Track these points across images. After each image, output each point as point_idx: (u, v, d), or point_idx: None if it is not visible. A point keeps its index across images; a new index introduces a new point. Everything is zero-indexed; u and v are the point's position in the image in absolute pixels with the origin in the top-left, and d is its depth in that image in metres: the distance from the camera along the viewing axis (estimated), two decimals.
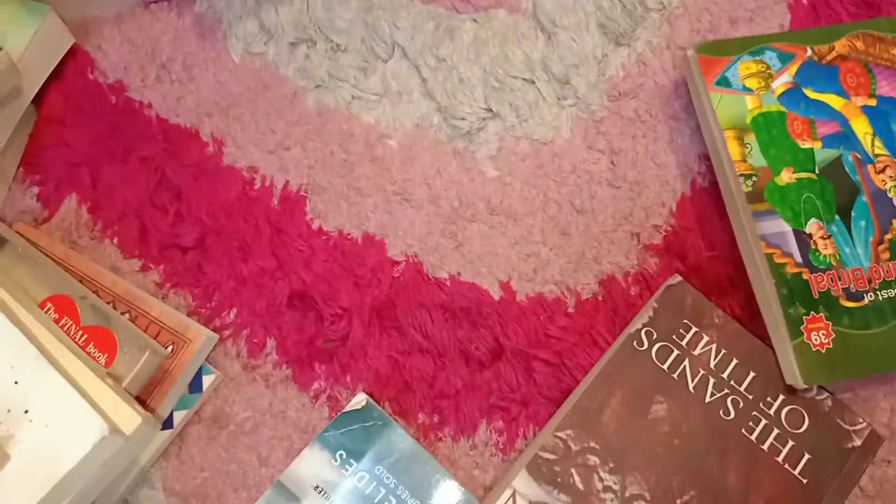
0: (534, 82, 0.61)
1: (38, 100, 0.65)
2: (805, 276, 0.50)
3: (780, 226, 0.51)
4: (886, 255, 0.51)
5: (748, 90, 0.53)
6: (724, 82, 0.54)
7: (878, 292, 0.50)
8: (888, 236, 0.51)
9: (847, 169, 0.52)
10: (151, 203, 0.62)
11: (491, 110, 0.61)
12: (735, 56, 0.54)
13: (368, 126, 0.62)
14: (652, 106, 0.59)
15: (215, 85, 0.65)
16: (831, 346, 0.49)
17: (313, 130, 0.63)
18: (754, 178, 0.52)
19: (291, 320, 0.59)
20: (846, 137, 0.52)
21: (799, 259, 0.50)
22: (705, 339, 0.52)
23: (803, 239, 0.51)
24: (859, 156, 0.52)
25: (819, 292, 0.50)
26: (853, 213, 0.51)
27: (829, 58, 0.54)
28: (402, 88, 0.63)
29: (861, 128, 0.53)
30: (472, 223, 0.59)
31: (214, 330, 0.59)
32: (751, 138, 0.52)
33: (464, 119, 0.61)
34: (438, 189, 0.60)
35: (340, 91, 0.63)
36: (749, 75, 0.54)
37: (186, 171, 0.62)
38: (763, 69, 0.54)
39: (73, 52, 0.67)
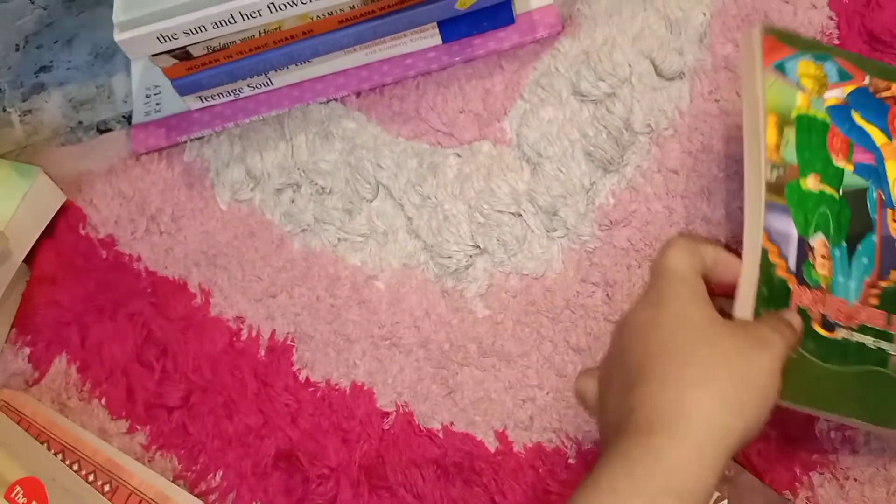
0: (521, 215, 0.58)
1: (30, 258, 0.66)
2: (790, 285, 0.46)
3: (787, 226, 0.46)
4: (875, 302, 0.46)
5: (802, 88, 0.50)
6: (781, 69, 0.50)
7: (852, 332, 0.46)
8: (883, 284, 0.47)
9: (868, 204, 0.48)
10: (138, 360, 0.61)
11: (478, 246, 0.59)
12: (798, 50, 0.51)
13: (355, 268, 0.61)
14: (646, 234, 0.56)
15: (203, 234, 0.64)
16: (788, 364, 0.43)
17: (299, 276, 0.61)
18: (780, 171, 0.47)
19: (278, 482, 0.56)
20: (877, 174, 0.49)
21: (792, 266, 0.46)
22: (716, 495, 0.47)
23: (804, 249, 0.46)
24: (884, 197, 0.48)
25: (797, 307, 0.45)
26: (859, 247, 0.47)
27: (883, 94, 0.51)
28: (388, 228, 0.61)
29: (894, 172, 0.49)
30: (463, 367, 0.56)
31: (200, 494, 0.56)
32: (790, 132, 0.48)
33: (450, 257, 0.58)
34: (428, 332, 0.58)
35: (326, 234, 0.62)
36: (806, 74, 0.50)
37: (173, 326, 0.61)
38: (821, 75, 0.51)
39: (64, 209, 0.67)
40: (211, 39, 0.59)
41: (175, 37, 0.58)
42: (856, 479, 0.49)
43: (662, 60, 0.59)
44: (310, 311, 0.60)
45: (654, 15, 0.61)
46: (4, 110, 0.74)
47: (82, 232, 0.67)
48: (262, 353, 0.60)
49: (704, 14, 0.61)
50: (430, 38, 0.64)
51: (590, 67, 0.61)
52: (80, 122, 0.72)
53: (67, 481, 0.52)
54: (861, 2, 0.58)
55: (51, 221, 0.66)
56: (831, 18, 0.59)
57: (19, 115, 0.73)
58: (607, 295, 0.56)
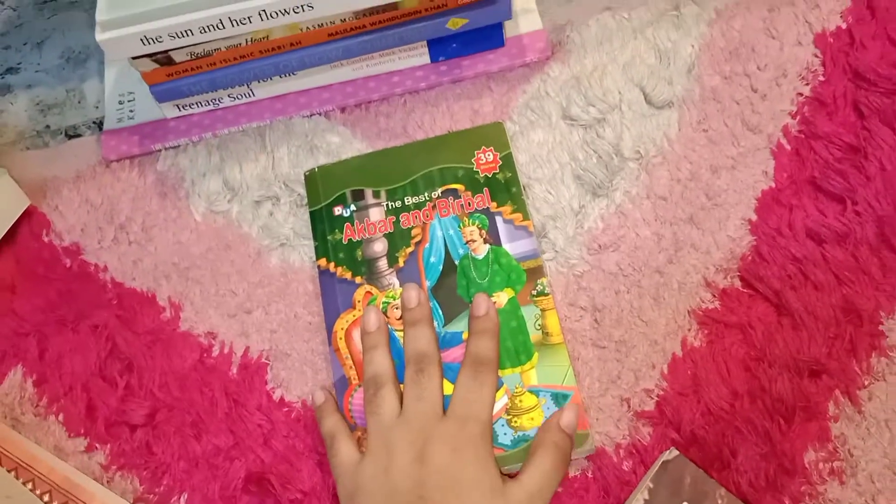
0: None
1: None
2: None
3: None
4: None
5: None
6: None
7: None
8: None
9: None
10: (101, 375, 0.58)
11: None
12: None
13: None
14: (635, 259, 0.56)
15: (175, 245, 0.61)
16: None
17: (276, 291, 0.59)
18: None
19: None
20: None
21: None
22: None
23: None
24: None
25: None
26: None
27: None
28: None
29: None
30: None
31: None
32: None
33: None
34: None
35: (305, 249, 0.60)
36: None
37: (140, 340, 0.58)
38: None
39: (28, 214, 0.64)
40: (196, 45, 0.58)
41: (160, 39, 0.56)
42: None
43: (652, 89, 0.60)
44: (286, 329, 0.58)
45: (645, 44, 0.62)
46: None
47: (45, 239, 0.63)
48: (235, 370, 0.57)
49: (693, 46, 0.61)
50: (418, 56, 0.64)
51: (580, 92, 0.60)
52: (48, 127, 0.69)
53: (22, 499, 0.48)
54: (846, 41, 0.59)
55: (12, 227, 0.63)
56: (816, 56, 0.60)
57: None
58: (595, 320, 0.55)
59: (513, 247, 0.55)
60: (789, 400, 0.50)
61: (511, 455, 0.49)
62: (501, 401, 0.51)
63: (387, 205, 0.58)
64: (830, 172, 0.56)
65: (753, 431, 0.50)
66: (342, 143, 0.62)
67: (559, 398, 0.51)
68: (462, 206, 0.57)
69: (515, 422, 0.50)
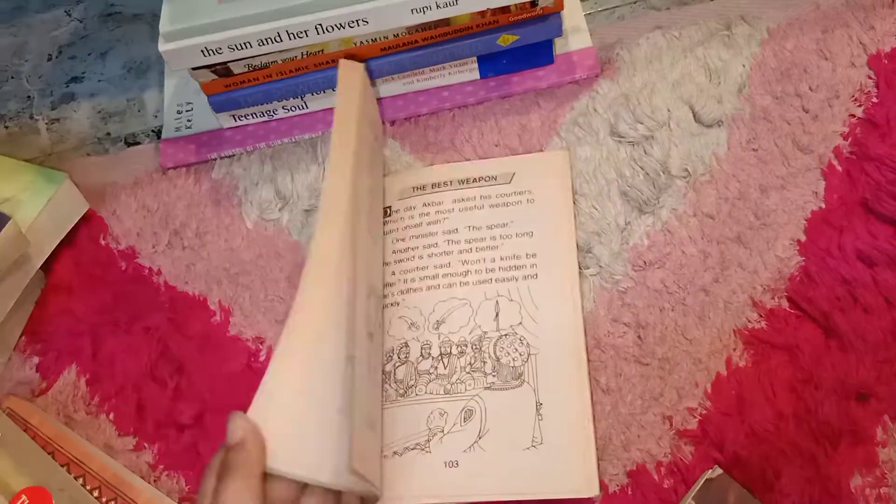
0: None
1: (48, 265, 0.64)
2: None
3: None
4: None
5: None
6: None
7: None
8: None
9: None
10: (151, 376, 0.59)
11: None
12: None
13: None
14: (680, 277, 0.56)
15: (227, 251, 0.63)
16: None
17: None
18: None
19: None
20: None
21: None
22: None
23: None
24: None
25: None
26: None
27: None
28: None
29: None
30: None
31: None
32: None
33: None
34: None
35: None
36: None
37: (190, 343, 0.60)
38: None
39: (87, 218, 0.66)
40: (254, 57, 0.59)
41: (219, 51, 0.58)
42: None
43: (702, 107, 0.60)
44: None
45: (695, 63, 0.62)
46: (32, 117, 0.73)
47: (103, 242, 0.65)
48: None
49: (744, 66, 0.61)
50: (468, 72, 0.65)
51: (628, 110, 0.61)
52: (108, 134, 0.71)
53: (75, 493, 0.50)
54: None
55: (72, 230, 0.65)
56: (870, 77, 0.59)
57: (46, 123, 0.73)
58: (639, 336, 0.55)
59: None
60: (836, 423, 0.49)
61: None
62: None
63: None
64: (882, 194, 0.55)
65: (798, 454, 0.49)
66: (391, 156, 0.64)
67: None
68: None
69: None
